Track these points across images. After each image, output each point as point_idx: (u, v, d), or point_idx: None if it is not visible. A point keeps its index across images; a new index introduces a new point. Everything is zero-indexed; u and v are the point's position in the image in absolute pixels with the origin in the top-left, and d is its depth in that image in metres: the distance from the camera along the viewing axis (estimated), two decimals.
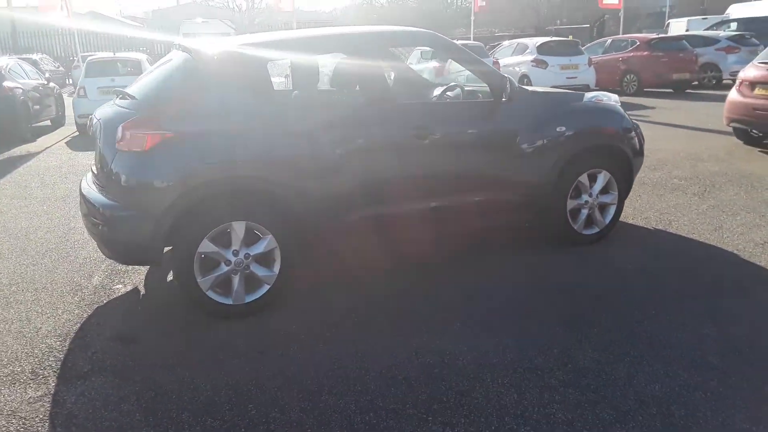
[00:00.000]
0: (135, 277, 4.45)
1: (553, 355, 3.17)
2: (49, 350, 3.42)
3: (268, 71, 3.95)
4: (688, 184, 6.47)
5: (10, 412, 2.86)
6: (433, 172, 4.14)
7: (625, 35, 18.75)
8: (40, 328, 3.70)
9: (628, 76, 16.37)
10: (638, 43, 16.66)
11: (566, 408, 2.73)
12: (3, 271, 4.67)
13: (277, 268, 3.74)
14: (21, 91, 11.79)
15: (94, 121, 4.01)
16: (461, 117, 4.31)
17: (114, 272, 4.54)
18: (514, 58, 16.29)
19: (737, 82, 8.22)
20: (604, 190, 4.68)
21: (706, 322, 3.50)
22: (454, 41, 5.80)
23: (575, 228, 4.64)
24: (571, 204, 4.57)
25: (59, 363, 3.29)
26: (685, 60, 16.06)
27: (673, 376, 2.96)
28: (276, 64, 5.57)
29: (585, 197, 4.63)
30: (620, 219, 4.94)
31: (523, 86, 4.54)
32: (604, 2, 21.70)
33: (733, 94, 8.18)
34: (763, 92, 7.69)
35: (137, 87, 4.00)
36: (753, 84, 7.86)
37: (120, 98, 4.02)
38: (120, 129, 3.51)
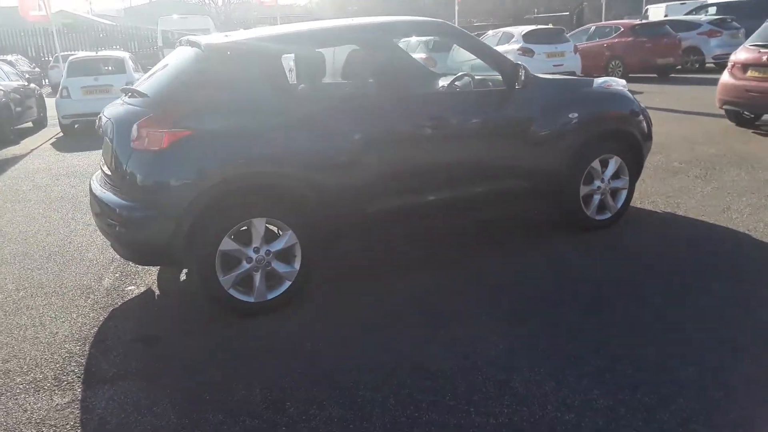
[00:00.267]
0: (146, 277, 4.37)
1: (585, 342, 3.17)
2: (69, 355, 3.34)
3: (283, 65, 3.88)
4: (688, 167, 6.51)
5: (39, 420, 2.79)
6: (450, 162, 4.11)
7: (609, 22, 18.85)
8: (57, 333, 3.61)
9: (613, 62, 16.45)
10: (622, 30, 16.76)
11: (607, 394, 2.73)
12: (8, 276, 4.56)
13: (297, 264, 3.69)
14: (2, 92, 11.47)
15: (104, 120, 3.91)
16: (478, 106, 4.27)
17: (124, 273, 4.45)
18: (500, 48, 16.24)
19: (729, 64, 8.28)
20: (616, 175, 4.68)
21: (731, 304, 3.51)
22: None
23: (588, 214, 4.64)
24: (584, 190, 4.56)
25: (82, 368, 3.21)
26: (669, 45, 16.19)
27: (707, 360, 2.96)
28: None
29: (597, 183, 4.62)
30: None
31: (536, 74, 4.51)
32: None
33: (725, 77, 8.24)
34: (756, 74, 7.76)
35: (147, 84, 3.90)
36: (745, 66, 7.93)
37: (129, 96, 3.92)
38: (135, 127, 3.42)
